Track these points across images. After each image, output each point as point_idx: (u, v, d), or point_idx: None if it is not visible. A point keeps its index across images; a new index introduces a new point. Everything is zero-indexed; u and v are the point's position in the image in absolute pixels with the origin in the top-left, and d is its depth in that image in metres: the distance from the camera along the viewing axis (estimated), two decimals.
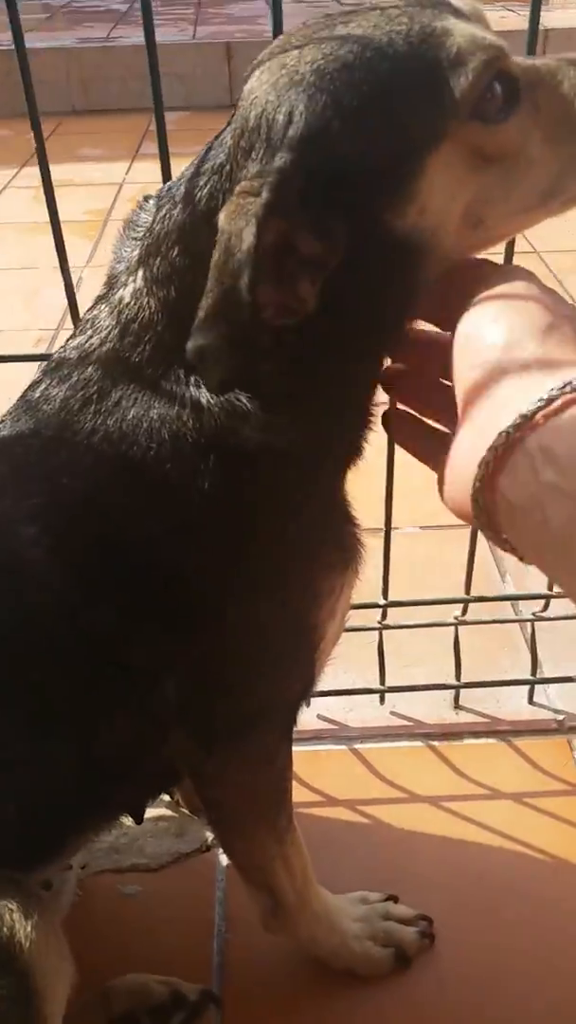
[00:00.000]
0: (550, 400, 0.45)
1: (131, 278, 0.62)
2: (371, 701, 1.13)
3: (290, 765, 0.75)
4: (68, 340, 0.66)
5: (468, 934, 0.90)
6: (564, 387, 0.45)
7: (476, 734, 1.10)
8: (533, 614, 1.14)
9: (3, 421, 0.67)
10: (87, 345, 0.63)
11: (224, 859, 0.96)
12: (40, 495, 0.63)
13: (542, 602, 1.13)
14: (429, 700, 1.14)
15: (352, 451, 0.65)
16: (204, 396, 0.59)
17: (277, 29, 0.70)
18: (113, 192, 2.93)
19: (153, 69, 0.74)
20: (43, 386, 0.65)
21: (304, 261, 0.53)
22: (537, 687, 1.14)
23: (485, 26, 0.57)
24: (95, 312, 0.64)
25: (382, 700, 1.13)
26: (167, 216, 0.60)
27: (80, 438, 0.61)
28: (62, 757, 0.67)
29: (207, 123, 3.68)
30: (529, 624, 1.15)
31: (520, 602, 1.23)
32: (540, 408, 0.46)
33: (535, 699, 1.13)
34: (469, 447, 0.50)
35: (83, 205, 2.76)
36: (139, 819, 0.88)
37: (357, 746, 1.09)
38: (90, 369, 0.62)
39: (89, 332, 0.64)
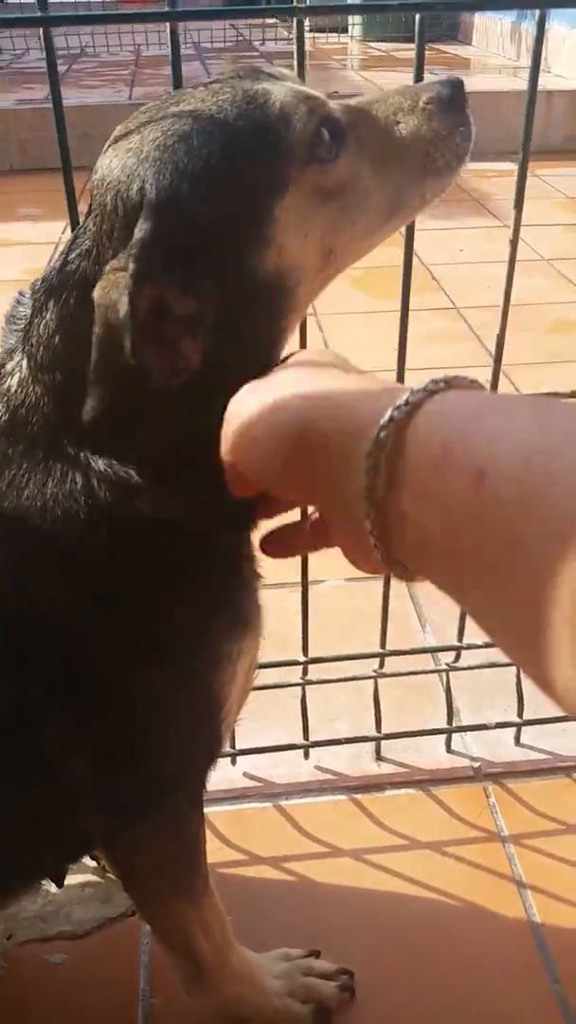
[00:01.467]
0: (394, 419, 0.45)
1: (16, 368, 0.65)
2: (296, 756, 1.16)
3: (202, 830, 0.78)
4: None
5: (389, 983, 0.93)
6: (406, 402, 0.45)
7: (396, 784, 1.14)
8: (447, 664, 1.18)
9: None
10: None
11: None
12: None
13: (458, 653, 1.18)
14: (352, 752, 1.17)
15: (247, 517, 0.68)
16: (94, 472, 0.61)
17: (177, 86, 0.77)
18: (50, 251, 2.98)
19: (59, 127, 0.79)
20: None
21: (181, 320, 0.57)
22: (455, 735, 1.18)
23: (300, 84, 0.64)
24: None
25: (306, 755, 1.16)
26: (44, 306, 0.64)
27: None
28: None
29: None
30: (444, 674, 1.19)
31: (440, 653, 1.28)
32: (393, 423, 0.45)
33: (453, 747, 1.18)
34: (341, 504, 0.49)
35: (19, 264, 2.80)
36: (59, 883, 0.89)
37: (282, 802, 1.12)
38: None
39: None
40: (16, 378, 0.65)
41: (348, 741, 1.16)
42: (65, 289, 0.62)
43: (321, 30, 6.23)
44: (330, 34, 6.15)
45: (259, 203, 0.58)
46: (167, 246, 0.56)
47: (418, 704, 1.23)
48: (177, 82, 0.79)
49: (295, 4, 0.79)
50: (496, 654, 1.15)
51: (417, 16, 0.82)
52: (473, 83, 4.39)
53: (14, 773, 0.67)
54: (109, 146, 0.62)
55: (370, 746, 1.17)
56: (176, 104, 0.61)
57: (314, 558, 1.01)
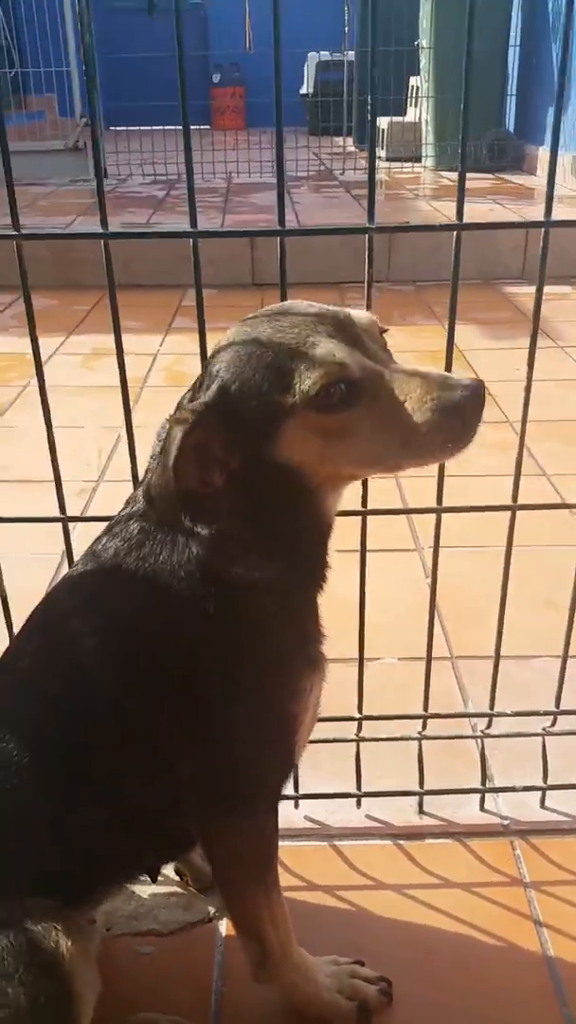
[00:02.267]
0: None
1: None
2: (349, 805, 1.37)
3: (276, 834, 1.00)
4: (120, 511, 0.97)
5: (420, 996, 1.11)
6: None
7: (435, 835, 1.33)
8: (481, 731, 1.39)
9: (77, 565, 0.98)
10: (131, 512, 0.94)
11: (223, 928, 1.18)
12: (99, 617, 0.92)
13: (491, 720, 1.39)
14: (397, 805, 1.37)
15: (316, 581, 0.95)
16: (202, 548, 0.88)
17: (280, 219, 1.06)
18: (149, 361, 3.37)
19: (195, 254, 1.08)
20: (103, 540, 0.95)
21: (215, 459, 0.85)
22: (488, 795, 1.37)
23: (372, 336, 0.88)
24: (136, 492, 0.96)
25: (359, 804, 1.37)
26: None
27: (126, 576, 0.90)
28: (101, 819, 0.92)
29: (234, 300, 4.27)
30: (480, 740, 1.39)
31: (476, 720, 1.48)
32: None
33: (486, 806, 1.37)
34: None
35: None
36: (154, 878, 1.11)
37: (336, 843, 1.32)
38: (133, 527, 0.92)
39: (132, 505, 0.94)
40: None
41: (395, 794, 1.36)
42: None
43: (396, 159, 6.81)
44: (404, 163, 6.70)
45: (273, 418, 0.84)
46: (221, 412, 0.84)
47: (457, 767, 1.43)
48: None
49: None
50: (525, 724, 1.36)
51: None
52: (537, 212, 4.78)
53: (135, 776, 0.92)
54: (231, 330, 0.91)
55: (414, 800, 1.37)
56: (269, 322, 0.87)
57: (370, 635, 1.25)
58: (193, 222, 1.06)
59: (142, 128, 6.51)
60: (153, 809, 0.95)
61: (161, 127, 5.77)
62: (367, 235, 1.08)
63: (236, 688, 0.90)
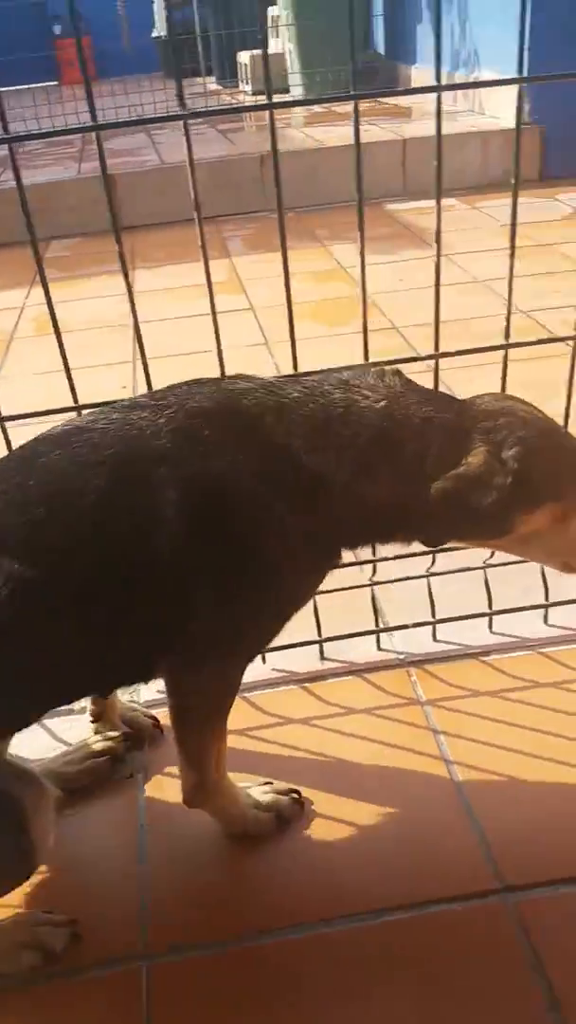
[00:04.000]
0: None
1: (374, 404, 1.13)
2: (255, 662, 1.59)
3: (237, 688, 1.24)
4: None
5: (335, 803, 1.35)
6: None
7: (338, 674, 1.58)
8: (370, 579, 1.64)
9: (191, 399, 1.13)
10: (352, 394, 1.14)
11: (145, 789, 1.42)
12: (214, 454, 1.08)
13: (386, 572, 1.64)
14: (301, 654, 1.61)
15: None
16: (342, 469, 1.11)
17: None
18: (15, 315, 3.54)
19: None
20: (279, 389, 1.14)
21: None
22: (384, 635, 1.63)
23: None
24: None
25: (263, 660, 1.60)
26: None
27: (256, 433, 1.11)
28: (100, 646, 1.11)
29: (97, 247, 4.50)
30: (371, 589, 1.65)
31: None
32: None
33: (382, 645, 1.62)
34: None
35: None
36: (105, 696, 1.42)
37: (247, 695, 1.55)
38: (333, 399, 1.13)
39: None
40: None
41: (296, 645, 1.60)
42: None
43: (260, 93, 7.04)
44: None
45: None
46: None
47: (353, 617, 1.67)
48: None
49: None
50: (412, 567, 1.61)
51: None
52: (414, 130, 5.09)
53: (147, 616, 1.11)
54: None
55: (315, 648, 1.61)
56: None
57: None
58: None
59: None
60: (145, 645, 1.15)
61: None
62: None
63: (271, 573, 1.12)
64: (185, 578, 1.09)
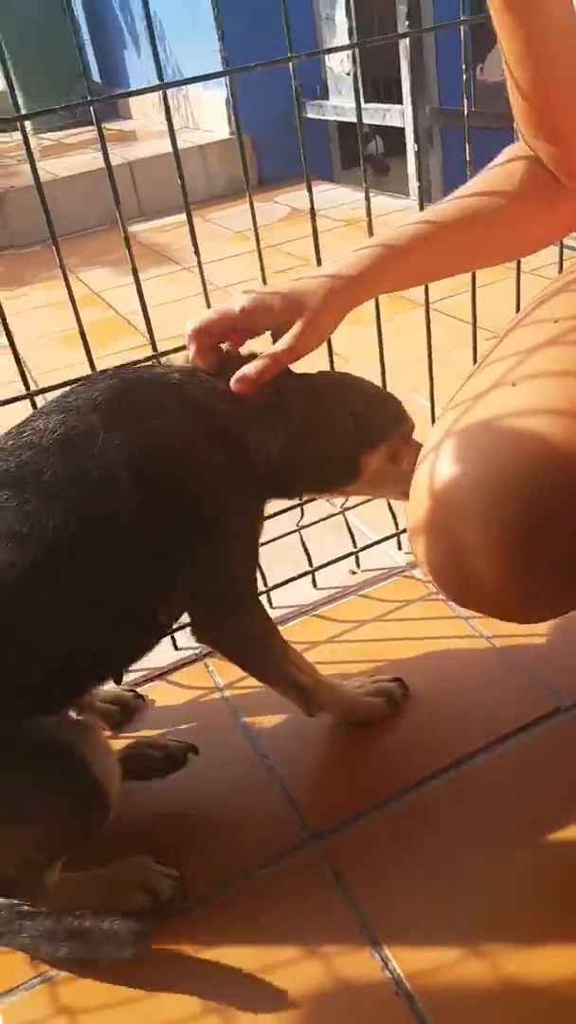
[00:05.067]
0: None
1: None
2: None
3: (264, 613, 1.34)
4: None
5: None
6: None
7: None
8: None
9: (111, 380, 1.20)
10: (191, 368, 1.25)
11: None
12: (137, 430, 1.14)
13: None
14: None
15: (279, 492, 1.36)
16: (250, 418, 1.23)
17: None
18: None
19: None
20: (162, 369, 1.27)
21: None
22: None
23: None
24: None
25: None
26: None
27: (176, 401, 1.18)
28: (101, 623, 1.14)
29: None
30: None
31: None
32: None
33: (179, 645, 1.71)
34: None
35: None
36: (119, 680, 1.36)
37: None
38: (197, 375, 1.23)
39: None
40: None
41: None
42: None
43: None
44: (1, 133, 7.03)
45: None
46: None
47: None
48: None
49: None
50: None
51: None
52: (139, 151, 5.37)
53: (138, 583, 1.15)
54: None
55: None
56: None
57: None
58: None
59: None
60: (143, 615, 1.21)
61: None
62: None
63: (228, 515, 1.21)
64: (157, 545, 1.16)
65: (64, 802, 1.11)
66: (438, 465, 1.00)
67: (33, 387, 1.43)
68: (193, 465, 1.18)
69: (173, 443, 1.17)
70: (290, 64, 1.43)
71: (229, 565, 1.24)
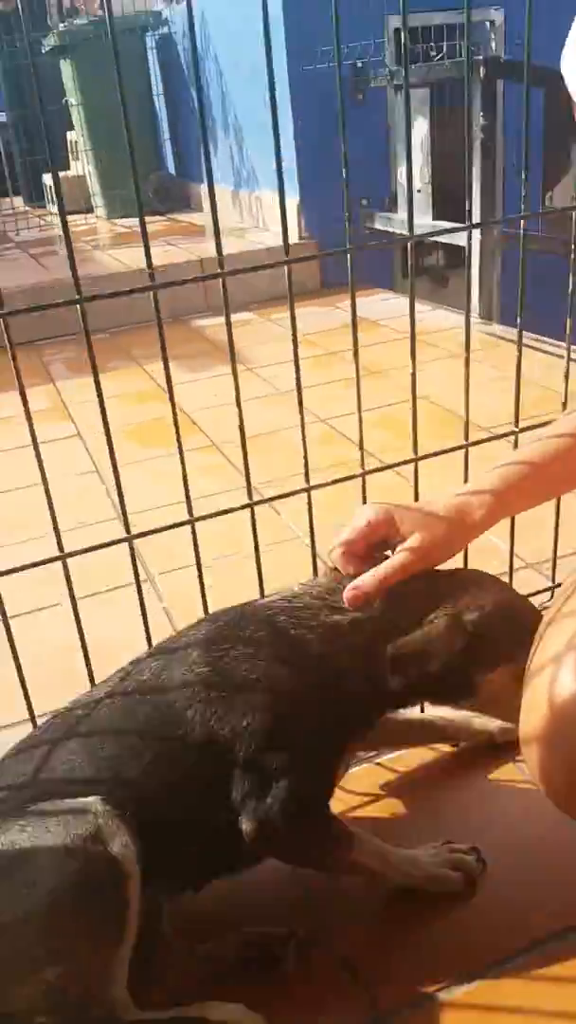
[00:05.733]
0: None
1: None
2: None
3: (330, 823, 1.28)
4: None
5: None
6: None
7: None
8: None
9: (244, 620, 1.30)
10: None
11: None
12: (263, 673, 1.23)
13: None
14: None
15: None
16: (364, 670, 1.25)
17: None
18: None
19: None
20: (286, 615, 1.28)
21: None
22: None
23: None
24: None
25: None
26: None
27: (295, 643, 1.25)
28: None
29: None
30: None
31: None
32: None
33: None
34: None
35: None
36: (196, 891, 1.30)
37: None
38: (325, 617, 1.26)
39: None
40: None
41: None
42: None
43: (68, 212, 7.37)
44: (76, 215, 7.31)
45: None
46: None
47: None
48: None
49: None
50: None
51: None
52: (209, 248, 5.51)
53: (229, 802, 1.19)
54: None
55: None
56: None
57: None
58: None
59: None
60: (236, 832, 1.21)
61: None
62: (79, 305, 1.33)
63: (310, 751, 1.23)
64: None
65: None
66: (560, 675, 0.98)
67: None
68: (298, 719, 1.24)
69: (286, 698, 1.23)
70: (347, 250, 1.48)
71: (301, 787, 1.22)
